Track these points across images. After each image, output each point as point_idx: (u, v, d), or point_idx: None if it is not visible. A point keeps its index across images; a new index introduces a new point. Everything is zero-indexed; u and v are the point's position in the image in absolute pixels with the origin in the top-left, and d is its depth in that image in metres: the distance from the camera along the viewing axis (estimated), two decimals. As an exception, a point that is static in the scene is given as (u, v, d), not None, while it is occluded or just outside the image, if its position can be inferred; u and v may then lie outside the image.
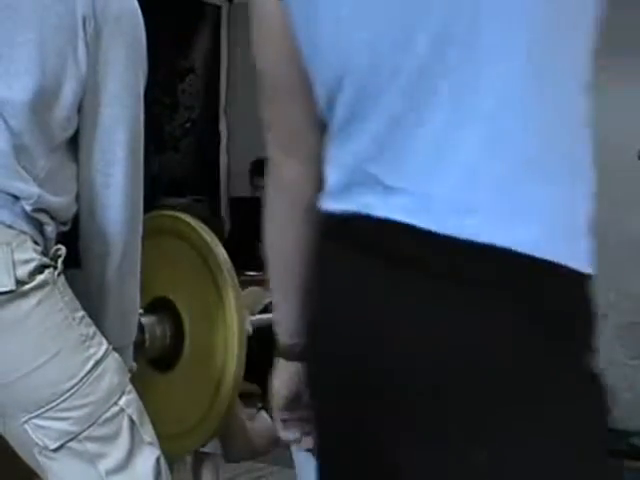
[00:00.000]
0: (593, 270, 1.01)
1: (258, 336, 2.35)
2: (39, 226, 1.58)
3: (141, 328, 1.98)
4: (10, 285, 1.50)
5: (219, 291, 2.00)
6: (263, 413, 2.29)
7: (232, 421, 2.13)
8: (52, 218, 1.59)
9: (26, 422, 1.55)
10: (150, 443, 1.63)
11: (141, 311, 1.99)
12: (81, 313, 1.60)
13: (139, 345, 1.95)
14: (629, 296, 4.75)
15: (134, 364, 1.79)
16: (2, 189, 1.54)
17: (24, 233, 1.55)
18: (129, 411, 1.60)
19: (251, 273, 4.34)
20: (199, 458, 2.84)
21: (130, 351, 1.77)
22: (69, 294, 1.59)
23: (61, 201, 1.61)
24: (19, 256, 1.52)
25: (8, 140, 1.54)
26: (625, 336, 4.77)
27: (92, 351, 1.58)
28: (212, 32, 6.29)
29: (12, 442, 1.64)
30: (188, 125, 6.18)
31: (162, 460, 1.64)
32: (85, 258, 1.70)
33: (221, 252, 2.03)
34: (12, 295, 1.51)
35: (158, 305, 2.07)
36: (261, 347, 2.26)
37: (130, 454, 1.60)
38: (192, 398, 2.06)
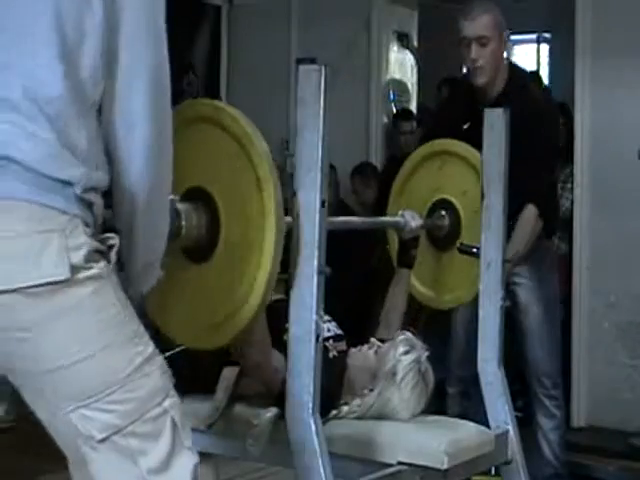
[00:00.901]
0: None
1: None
2: (89, 206, 1.59)
3: (177, 214, 1.97)
4: (65, 274, 1.51)
5: (259, 184, 1.95)
6: (277, 352, 2.27)
7: (256, 323, 2.10)
8: (97, 193, 1.60)
9: (72, 411, 1.55)
10: (189, 448, 1.63)
11: (177, 198, 1.98)
12: (131, 310, 1.61)
13: (175, 232, 1.94)
14: (629, 296, 4.75)
15: (161, 272, 1.79)
16: (53, 177, 1.54)
17: (76, 217, 1.55)
18: (172, 413, 1.61)
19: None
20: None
21: (157, 265, 1.76)
22: (120, 290, 1.61)
23: (102, 175, 1.61)
24: (73, 242, 1.53)
25: (49, 128, 1.53)
26: (625, 336, 4.77)
27: (140, 348, 1.59)
28: (212, 32, 6.29)
29: (52, 431, 1.63)
30: (188, 125, 6.17)
31: (199, 467, 1.64)
32: (115, 213, 1.69)
33: (263, 145, 1.97)
34: (67, 283, 1.51)
35: (194, 195, 2.01)
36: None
37: (170, 456, 1.60)
38: (224, 291, 2.02)
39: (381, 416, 2.39)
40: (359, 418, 2.39)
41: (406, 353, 2.42)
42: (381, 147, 6.07)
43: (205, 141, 2.05)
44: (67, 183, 1.54)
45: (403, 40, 6.26)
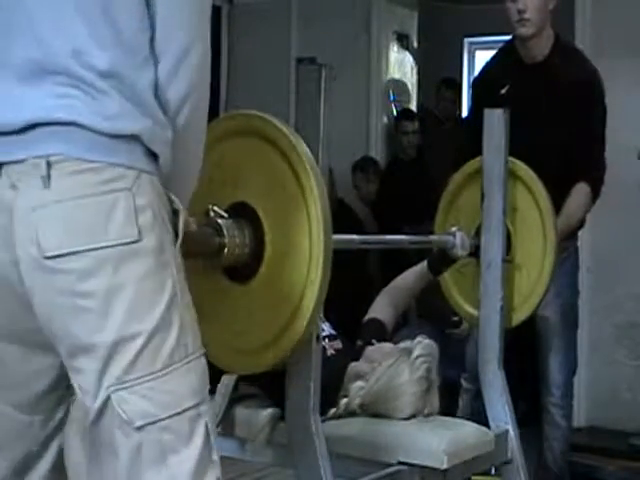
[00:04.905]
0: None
1: None
2: (155, 159, 1.58)
3: (219, 232, 1.91)
4: (133, 235, 1.49)
5: (305, 200, 1.89)
6: None
7: None
8: (162, 144, 1.59)
9: (113, 392, 1.49)
10: (215, 462, 1.57)
11: (220, 212, 1.93)
12: (188, 299, 1.57)
13: (217, 251, 1.90)
14: (630, 296, 4.75)
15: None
16: (117, 134, 1.52)
17: (143, 172, 1.54)
18: (207, 419, 1.56)
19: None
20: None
21: (194, 179, 1.71)
22: (182, 271, 1.56)
23: (164, 125, 1.60)
24: (140, 201, 1.51)
25: (106, 86, 1.51)
26: (625, 336, 4.77)
27: (189, 340, 1.55)
28: (212, 32, 6.27)
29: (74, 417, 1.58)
30: (188, 125, 6.17)
31: None
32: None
33: (310, 159, 1.90)
34: (134, 247, 1.50)
35: (237, 211, 1.95)
36: None
37: (199, 470, 1.54)
38: (271, 312, 1.95)
39: (386, 391, 2.36)
40: (362, 403, 2.38)
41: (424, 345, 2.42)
42: (381, 147, 6.07)
43: (247, 154, 2.00)
44: (132, 137, 1.52)
45: (403, 41, 6.26)
